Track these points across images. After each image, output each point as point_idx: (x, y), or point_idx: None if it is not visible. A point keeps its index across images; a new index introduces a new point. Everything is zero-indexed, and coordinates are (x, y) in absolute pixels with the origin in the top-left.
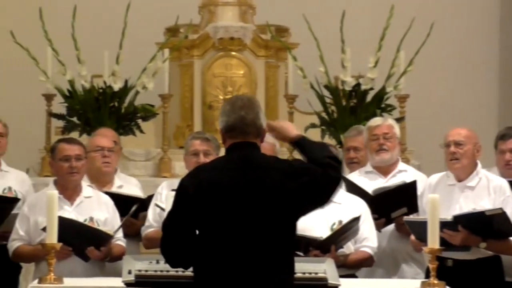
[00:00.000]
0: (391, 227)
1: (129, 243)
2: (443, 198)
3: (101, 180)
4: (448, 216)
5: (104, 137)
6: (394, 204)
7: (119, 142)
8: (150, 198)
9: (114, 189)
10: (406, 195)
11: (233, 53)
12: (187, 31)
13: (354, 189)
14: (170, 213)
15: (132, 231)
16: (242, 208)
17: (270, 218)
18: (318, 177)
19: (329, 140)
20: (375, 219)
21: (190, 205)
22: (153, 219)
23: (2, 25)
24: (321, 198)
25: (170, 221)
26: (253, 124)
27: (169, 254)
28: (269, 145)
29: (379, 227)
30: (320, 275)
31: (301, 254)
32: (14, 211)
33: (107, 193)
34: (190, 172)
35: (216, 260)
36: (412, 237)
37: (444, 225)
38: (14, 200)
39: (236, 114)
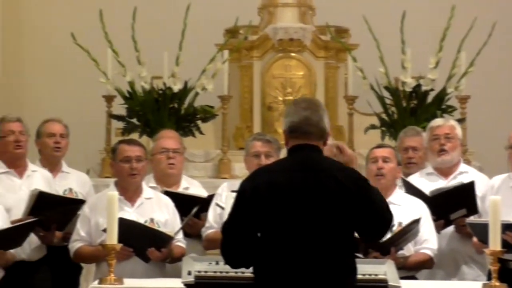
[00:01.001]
0: (451, 228)
1: (193, 243)
2: (506, 200)
3: (167, 182)
4: (511, 218)
5: (170, 138)
6: (452, 206)
7: (182, 144)
8: (210, 198)
9: (180, 190)
10: (464, 196)
11: (293, 54)
12: (246, 32)
13: (412, 190)
14: (229, 215)
15: (195, 231)
16: (300, 210)
17: (329, 221)
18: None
19: (389, 141)
20: (434, 220)
21: (248, 208)
22: (214, 220)
23: (63, 27)
24: (370, 218)
25: (230, 224)
26: (316, 125)
27: (229, 256)
28: (330, 146)
29: (438, 229)
30: (380, 276)
31: (361, 256)
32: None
33: (168, 193)
34: (250, 175)
35: (276, 261)
36: (475, 239)
37: (506, 227)
38: (81, 202)
39: (301, 115)
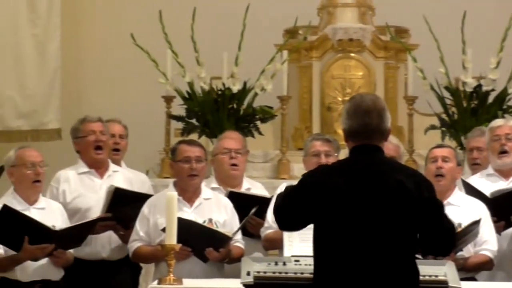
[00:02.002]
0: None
1: (252, 243)
2: None
3: (229, 183)
4: None
5: (232, 139)
6: None
7: (244, 144)
8: (269, 199)
9: (242, 191)
10: None
11: (352, 54)
12: (306, 32)
13: (472, 191)
14: (284, 200)
15: (257, 230)
16: (360, 211)
17: (391, 222)
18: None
19: (449, 142)
20: (494, 222)
21: (304, 201)
22: (272, 220)
23: (122, 28)
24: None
25: (282, 210)
26: (377, 129)
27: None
28: (394, 146)
29: (498, 230)
30: (440, 277)
31: (420, 257)
32: None
33: (233, 193)
34: (312, 170)
35: (335, 263)
36: None
37: None
38: (148, 197)
39: (360, 120)
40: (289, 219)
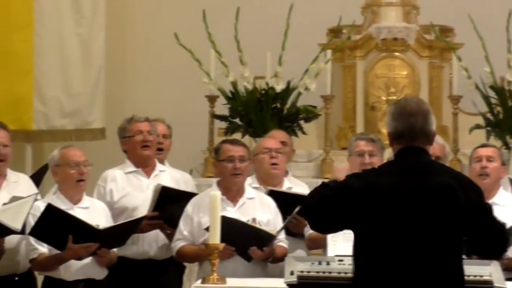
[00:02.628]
0: None
1: (296, 242)
2: None
3: (270, 182)
4: None
5: (273, 138)
6: None
7: (290, 144)
8: None
9: (284, 189)
10: None
11: (396, 53)
12: (350, 32)
13: None
14: (327, 197)
15: (300, 230)
16: (405, 214)
17: (436, 225)
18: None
19: (494, 141)
20: None
21: (351, 204)
22: None
23: (166, 27)
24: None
25: (317, 208)
26: (422, 131)
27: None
28: (439, 145)
29: None
30: (485, 277)
31: (464, 257)
32: None
33: (273, 192)
34: (356, 173)
35: (378, 264)
36: None
37: None
38: (194, 195)
39: (405, 122)
40: (325, 221)
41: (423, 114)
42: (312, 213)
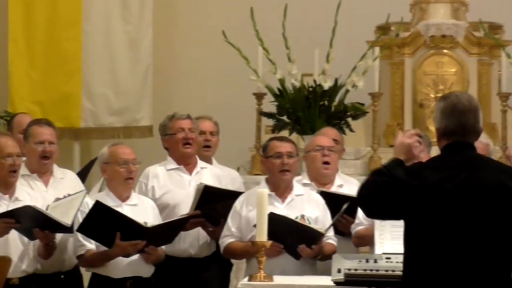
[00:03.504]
0: None
1: (346, 240)
2: None
3: (321, 180)
4: None
5: (325, 136)
6: None
7: (341, 143)
8: None
9: (334, 188)
10: None
11: (445, 50)
12: (398, 29)
13: None
14: (378, 187)
15: (348, 228)
16: (455, 209)
17: (487, 220)
18: None
19: None
20: None
21: (398, 194)
22: (363, 217)
23: (214, 25)
24: None
25: (375, 192)
26: (473, 129)
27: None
28: (483, 144)
29: None
30: None
31: None
32: None
33: (323, 192)
34: (405, 167)
35: (427, 261)
36: None
37: None
38: (236, 193)
39: (457, 120)
40: (377, 211)
41: (474, 112)
42: (365, 202)
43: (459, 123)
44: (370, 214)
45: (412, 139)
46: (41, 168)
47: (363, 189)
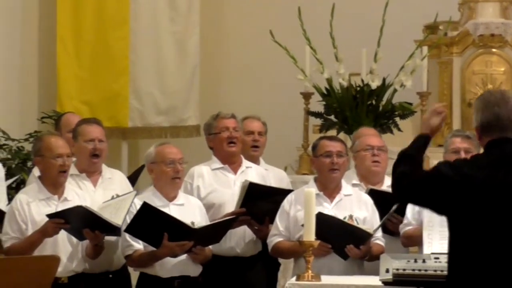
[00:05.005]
0: None
1: (394, 240)
2: None
3: (371, 180)
4: None
5: (375, 136)
6: None
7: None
8: None
9: (383, 188)
10: None
11: (494, 50)
12: (446, 28)
13: None
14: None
15: (397, 228)
16: (498, 209)
17: None
18: None
19: None
20: None
21: (441, 190)
22: (412, 217)
23: (261, 24)
24: None
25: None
26: (508, 119)
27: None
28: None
29: None
30: None
31: None
32: None
33: (373, 191)
34: (448, 162)
35: (472, 259)
36: None
37: None
38: (282, 191)
39: (490, 112)
40: (417, 201)
41: (507, 103)
42: (404, 193)
43: (492, 115)
44: (406, 201)
45: (440, 119)
46: (91, 167)
47: (401, 179)
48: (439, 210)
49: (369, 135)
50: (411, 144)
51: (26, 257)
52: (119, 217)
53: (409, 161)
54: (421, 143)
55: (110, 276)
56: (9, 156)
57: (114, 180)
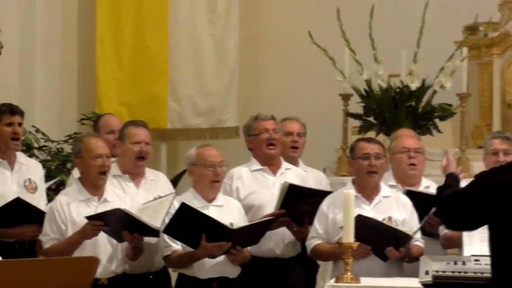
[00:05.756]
0: None
1: (434, 242)
2: None
3: (408, 182)
4: None
5: (411, 138)
6: None
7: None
8: None
9: (420, 189)
10: None
11: None
12: (486, 29)
13: None
14: (460, 196)
15: (436, 230)
16: None
17: None
18: None
19: None
20: None
21: (482, 199)
22: None
23: (300, 26)
24: None
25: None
26: None
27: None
28: None
29: None
30: None
31: None
32: None
33: (410, 192)
34: (486, 171)
35: None
36: None
37: None
38: (322, 192)
39: None
40: (460, 220)
41: None
42: (447, 213)
43: None
44: (451, 225)
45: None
46: (135, 169)
47: (442, 204)
48: (484, 220)
49: (405, 137)
50: (445, 181)
51: (65, 258)
52: (158, 219)
53: (447, 189)
54: (453, 178)
55: (151, 277)
56: (48, 158)
57: (157, 182)
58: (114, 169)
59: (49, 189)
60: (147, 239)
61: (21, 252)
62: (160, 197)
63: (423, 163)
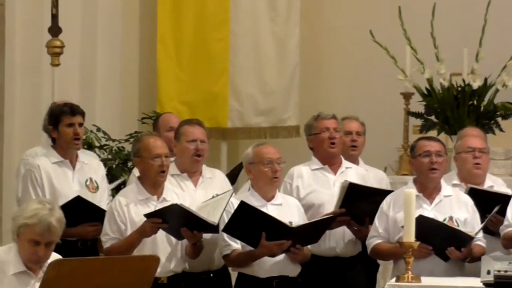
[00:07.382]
0: None
1: (496, 241)
2: None
3: (471, 181)
4: None
5: (476, 137)
6: None
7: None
8: (511, 196)
9: (485, 188)
10: None
11: None
12: None
13: None
14: None
15: (498, 228)
16: None
17: None
18: None
19: None
20: None
21: None
22: None
23: (361, 24)
24: None
25: None
26: None
27: None
28: None
29: None
30: None
31: None
32: None
33: (474, 190)
34: None
35: None
36: None
37: None
38: (382, 191)
39: None
40: None
41: None
42: None
43: None
44: None
45: None
46: (193, 167)
47: None
48: None
49: (471, 136)
50: None
51: (126, 257)
52: (216, 215)
53: None
54: None
55: (211, 275)
56: (109, 157)
57: (214, 180)
58: (173, 168)
59: (112, 189)
60: (205, 236)
61: (83, 251)
62: (217, 195)
63: (487, 163)
